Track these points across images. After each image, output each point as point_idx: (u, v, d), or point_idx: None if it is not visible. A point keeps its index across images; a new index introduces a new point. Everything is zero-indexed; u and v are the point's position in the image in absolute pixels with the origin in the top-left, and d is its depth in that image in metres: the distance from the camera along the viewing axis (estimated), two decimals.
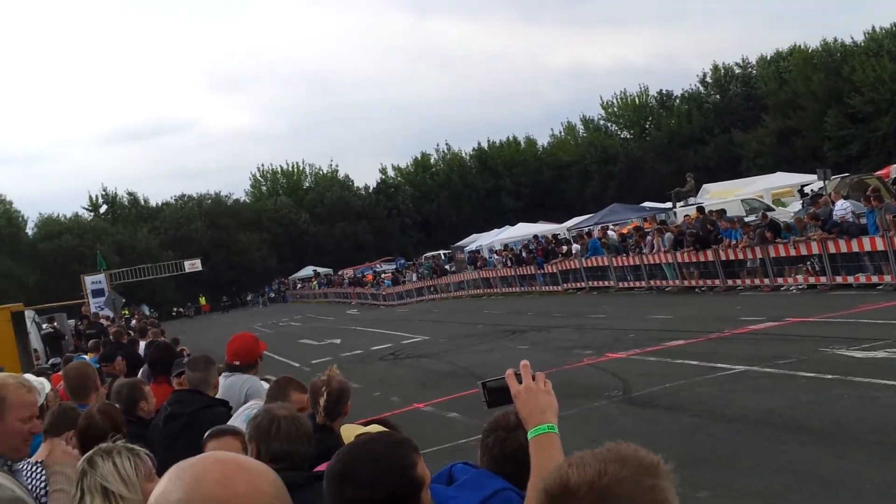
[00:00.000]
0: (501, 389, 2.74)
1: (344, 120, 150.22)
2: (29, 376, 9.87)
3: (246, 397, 6.47)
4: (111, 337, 19.42)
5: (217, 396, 6.55)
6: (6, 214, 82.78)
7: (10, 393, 3.86)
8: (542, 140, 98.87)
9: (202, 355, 7.20)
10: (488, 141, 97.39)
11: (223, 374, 7.01)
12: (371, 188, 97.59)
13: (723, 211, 29.64)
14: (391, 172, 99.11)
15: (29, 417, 3.91)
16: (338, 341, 30.87)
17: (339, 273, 72.70)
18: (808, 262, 23.01)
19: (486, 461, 3.32)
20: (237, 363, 6.95)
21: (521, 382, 2.70)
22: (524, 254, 40.16)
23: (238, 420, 5.45)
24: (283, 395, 5.34)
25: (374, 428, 3.46)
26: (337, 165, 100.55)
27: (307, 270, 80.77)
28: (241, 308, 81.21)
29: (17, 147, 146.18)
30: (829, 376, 12.07)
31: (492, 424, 3.32)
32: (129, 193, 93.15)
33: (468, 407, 13.72)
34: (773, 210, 32.52)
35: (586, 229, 40.09)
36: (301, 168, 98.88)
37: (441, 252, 65.22)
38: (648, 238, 30.32)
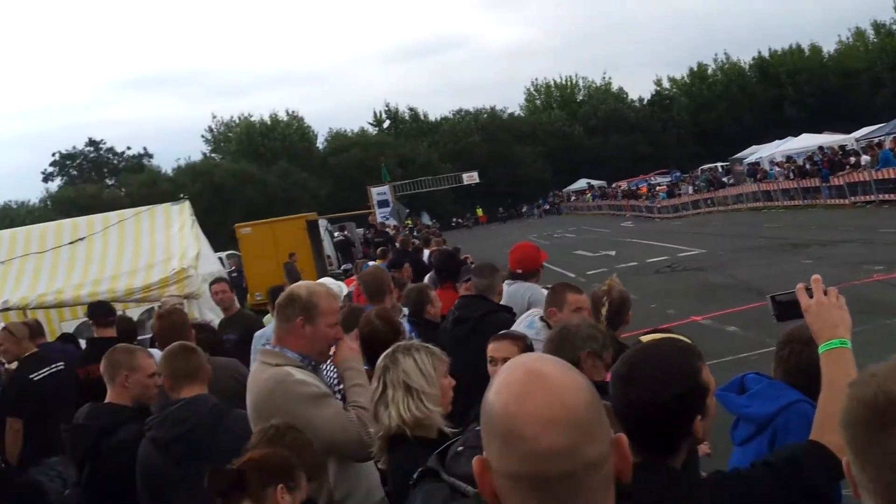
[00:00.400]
0: (792, 303, 2.69)
1: (617, 31, 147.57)
2: (328, 280, 10.74)
3: (528, 304, 6.63)
4: (398, 245, 20.34)
5: (501, 303, 6.75)
6: (300, 130, 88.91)
7: (322, 301, 4.07)
8: (828, 47, 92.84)
9: (487, 263, 7.44)
10: (769, 49, 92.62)
11: (506, 281, 7.11)
12: (645, 100, 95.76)
13: None
14: (666, 84, 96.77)
15: (335, 323, 4.13)
16: (612, 253, 30.75)
17: (613, 185, 72.28)
18: None
19: (780, 373, 3.39)
20: (520, 271, 7.08)
21: (811, 297, 2.65)
22: (808, 166, 38.39)
23: (521, 326, 5.72)
24: (559, 298, 5.51)
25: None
26: (610, 78, 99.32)
27: (581, 183, 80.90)
28: (517, 220, 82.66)
29: (308, 67, 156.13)
30: None
31: (787, 337, 3.38)
32: (410, 109, 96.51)
33: (748, 320, 13.60)
34: None
35: (877, 139, 37.67)
36: (574, 81, 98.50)
37: (718, 164, 63.19)
38: None
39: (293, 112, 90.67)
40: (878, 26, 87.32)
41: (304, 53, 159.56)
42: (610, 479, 1.50)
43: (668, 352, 2.44)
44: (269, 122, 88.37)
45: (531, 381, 1.47)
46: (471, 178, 60.02)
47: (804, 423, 2.75)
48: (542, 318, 5.66)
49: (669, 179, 61.65)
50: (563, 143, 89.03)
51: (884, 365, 1.49)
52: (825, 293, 2.61)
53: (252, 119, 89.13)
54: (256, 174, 76.48)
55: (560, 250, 35.86)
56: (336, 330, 4.14)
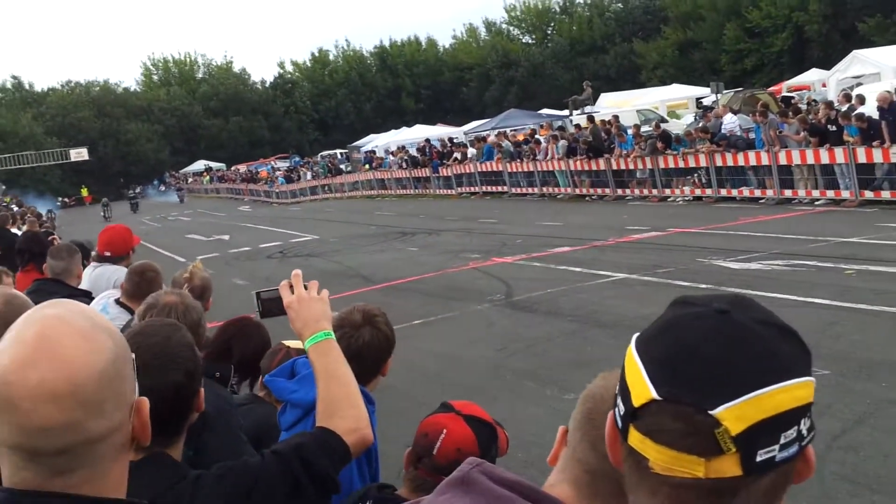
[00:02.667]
0: (275, 300, 2.70)
1: (240, 7, 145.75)
2: None
3: (115, 288, 6.25)
4: None
5: (85, 287, 6.44)
6: None
7: None
8: (444, 41, 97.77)
9: (66, 244, 7.13)
10: (390, 39, 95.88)
11: (93, 263, 6.92)
12: (268, 83, 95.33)
13: (615, 119, 29.75)
14: (289, 67, 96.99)
15: None
16: (226, 237, 30.37)
17: (233, 169, 71.19)
18: (696, 174, 23.37)
19: None
20: (108, 254, 6.86)
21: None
22: (419, 156, 39.85)
23: (96, 309, 5.21)
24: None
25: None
26: (232, 58, 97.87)
27: (199, 165, 78.88)
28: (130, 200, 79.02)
29: None
30: (703, 286, 12.31)
31: (338, 321, 3.18)
32: (14, 77, 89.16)
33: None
34: (666, 122, 32.86)
35: (483, 133, 39.93)
36: (193, 59, 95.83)
37: (338, 151, 64.35)
38: (543, 145, 30.34)
39: None
40: (489, 24, 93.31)
41: None
42: (122, 446, 1.47)
43: (162, 334, 2.37)
44: None
45: (40, 347, 1.37)
46: (79, 154, 56.54)
47: None
48: (117, 301, 5.47)
49: (289, 164, 61.78)
50: (182, 122, 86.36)
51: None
52: (306, 287, 2.60)
53: None
54: None
55: (173, 234, 34.70)
56: None
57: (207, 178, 71.80)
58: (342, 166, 51.53)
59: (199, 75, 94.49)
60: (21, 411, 1.35)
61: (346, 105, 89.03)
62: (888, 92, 19.68)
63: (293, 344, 4.00)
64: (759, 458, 1.05)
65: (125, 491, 1.51)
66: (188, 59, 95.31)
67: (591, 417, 1.52)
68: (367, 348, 3.06)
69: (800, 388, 1.07)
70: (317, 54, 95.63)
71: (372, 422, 2.86)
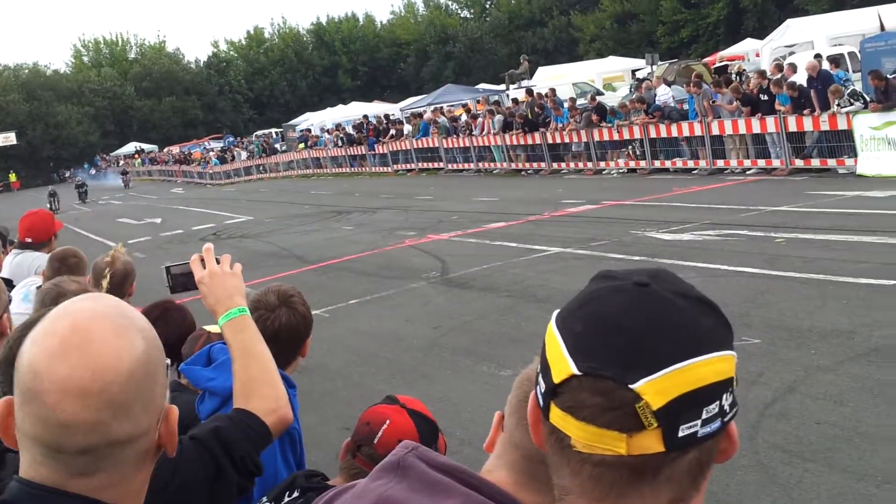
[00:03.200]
0: (186, 275, 2.59)
1: None
2: None
3: (36, 276, 6.10)
4: None
5: (5, 275, 6.15)
6: None
7: None
8: (382, 17, 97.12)
9: None
10: (327, 16, 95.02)
11: (14, 251, 6.80)
12: (202, 62, 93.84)
13: (552, 93, 29.75)
14: (224, 46, 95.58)
15: None
16: (158, 220, 29.89)
17: (165, 150, 70.00)
18: (630, 147, 23.45)
19: None
20: (29, 240, 6.73)
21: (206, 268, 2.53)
22: (355, 134, 39.52)
23: (17, 298, 5.19)
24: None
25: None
26: (165, 37, 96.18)
27: (131, 147, 77.45)
28: (59, 185, 77.44)
29: None
30: (637, 258, 12.33)
31: (253, 304, 3.09)
32: None
33: None
34: (602, 94, 32.92)
35: (419, 110, 39.70)
36: (126, 39, 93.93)
37: (273, 130, 63.64)
38: (479, 120, 30.24)
39: None
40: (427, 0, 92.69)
41: None
42: (147, 454, 1.43)
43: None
44: None
45: (73, 340, 1.34)
46: (7, 139, 55.19)
47: None
48: (39, 289, 5.18)
49: (223, 145, 60.98)
50: (114, 103, 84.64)
51: None
52: (218, 262, 2.50)
53: None
54: None
55: (104, 218, 34.07)
56: None
57: (139, 160, 70.53)
58: (277, 146, 50.96)
59: (132, 56, 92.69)
60: (46, 404, 1.33)
61: (281, 84, 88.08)
62: (816, 60, 19.90)
63: (215, 329, 3.85)
64: (681, 434, 1.03)
65: (142, 500, 1.48)
66: (120, 40, 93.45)
67: (527, 401, 1.44)
68: (285, 330, 3.00)
69: (721, 362, 1.05)
70: (252, 32, 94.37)
71: (293, 405, 2.81)
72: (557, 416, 1.08)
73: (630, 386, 1.02)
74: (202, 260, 2.51)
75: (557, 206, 18.64)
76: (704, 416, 1.03)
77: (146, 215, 32.33)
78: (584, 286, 1.13)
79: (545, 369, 1.10)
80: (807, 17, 41.80)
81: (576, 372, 1.05)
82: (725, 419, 1.06)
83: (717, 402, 1.05)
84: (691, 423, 1.03)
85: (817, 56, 22.08)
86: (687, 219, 14.77)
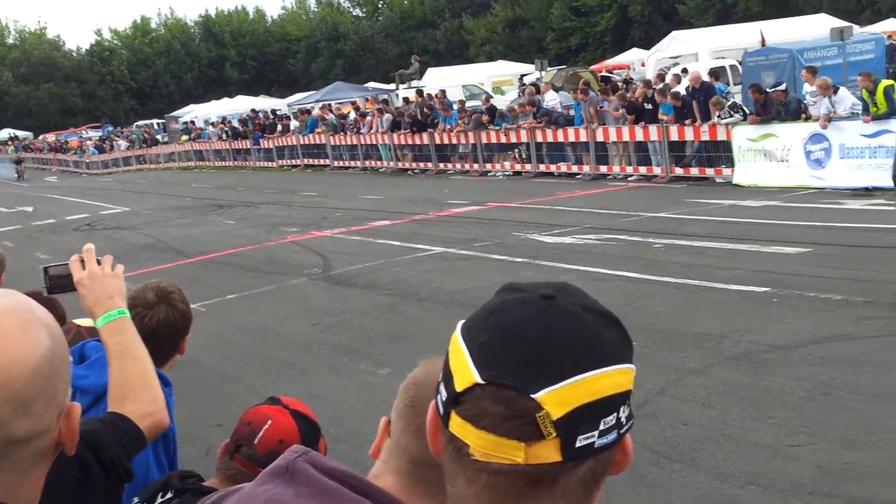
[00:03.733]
0: (65, 276, 2.50)
1: None
2: None
3: None
4: None
5: None
6: None
7: None
8: (273, 12, 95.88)
9: None
10: (217, 9, 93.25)
11: None
12: (84, 50, 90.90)
13: (442, 94, 29.81)
14: (107, 35, 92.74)
15: None
16: (30, 209, 28.93)
17: (41, 138, 67.58)
18: (517, 150, 23.64)
19: None
20: None
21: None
22: (241, 128, 38.88)
23: None
24: None
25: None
26: (46, 23, 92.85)
27: (3, 133, 74.50)
28: None
29: None
30: (519, 259, 12.45)
31: (131, 300, 2.94)
32: None
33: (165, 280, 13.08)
34: (492, 97, 33.14)
35: (307, 106, 39.30)
36: (4, 24, 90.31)
37: (155, 121, 62.14)
38: (368, 118, 30.09)
39: None
40: None
41: None
42: (45, 453, 1.37)
43: None
44: None
45: None
46: None
47: None
48: None
49: (101, 134, 59.28)
50: None
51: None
52: (99, 263, 2.42)
53: None
54: None
55: None
56: None
57: (12, 147, 67.90)
58: (159, 137, 49.77)
59: (10, 41, 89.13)
60: None
61: (165, 75, 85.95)
62: (698, 72, 20.43)
63: (85, 322, 3.68)
64: (578, 444, 1.04)
65: (38, 500, 1.41)
66: None
67: (414, 405, 1.50)
68: (163, 326, 2.95)
69: (620, 375, 1.07)
70: (138, 22, 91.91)
71: (169, 405, 2.75)
72: (457, 424, 1.08)
73: (532, 395, 1.03)
74: (82, 261, 2.43)
75: (442, 206, 18.66)
76: (602, 427, 1.04)
77: (17, 203, 31.16)
78: (491, 297, 1.12)
79: (447, 378, 1.10)
80: (692, 29, 42.99)
81: (479, 380, 1.05)
82: (622, 431, 1.07)
83: (615, 414, 1.06)
84: (589, 434, 1.03)
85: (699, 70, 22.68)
86: (569, 222, 14.95)
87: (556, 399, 1.02)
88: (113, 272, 2.42)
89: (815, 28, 32.10)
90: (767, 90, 17.64)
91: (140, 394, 2.22)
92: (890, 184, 14.66)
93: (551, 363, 1.04)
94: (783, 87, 17.72)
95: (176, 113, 55.77)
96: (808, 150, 16.32)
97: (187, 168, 41.40)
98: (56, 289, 2.59)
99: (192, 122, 48.15)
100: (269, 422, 2.47)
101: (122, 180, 40.70)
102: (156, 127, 56.62)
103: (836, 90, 16.26)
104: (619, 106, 20.38)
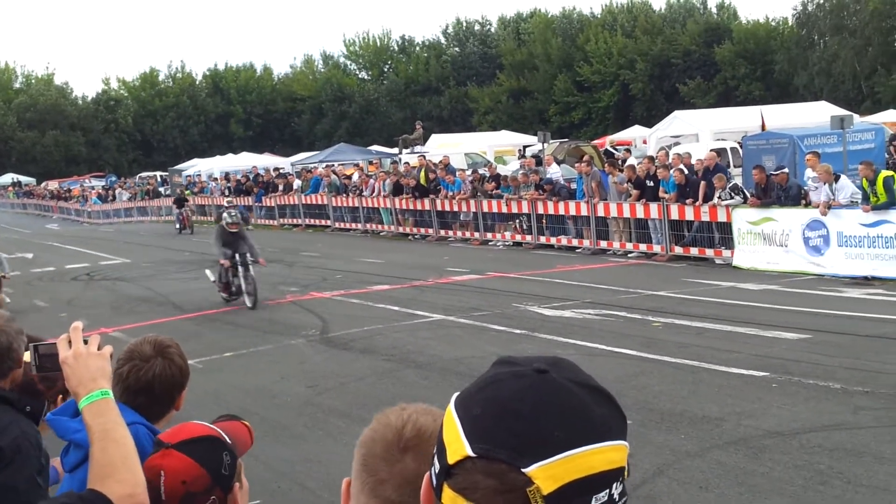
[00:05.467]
0: (52, 356, 2.49)
1: (65, 21, 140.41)
2: None
3: None
4: None
5: None
6: None
7: None
8: (280, 70, 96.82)
9: None
10: (225, 64, 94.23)
11: None
12: (90, 98, 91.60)
13: (446, 160, 30.03)
14: (115, 84, 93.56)
15: None
16: (30, 256, 28.95)
17: (43, 184, 67.77)
18: (518, 220, 23.78)
19: (118, 391, 3.02)
20: None
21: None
22: (244, 182, 39.07)
23: None
24: None
25: None
26: (54, 70, 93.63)
27: (7, 178, 74.75)
28: None
29: None
30: (518, 331, 12.45)
31: (127, 353, 3.06)
32: None
33: (164, 334, 13.06)
34: (494, 166, 33.41)
35: (310, 166, 39.56)
36: (12, 68, 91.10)
37: (158, 173, 62.42)
38: (371, 181, 30.29)
39: None
40: (326, 57, 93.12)
41: None
42: None
43: None
44: None
45: None
46: None
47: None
48: None
49: (104, 183, 59.53)
50: None
51: (414, 405, 1.55)
52: (86, 342, 2.41)
53: None
54: None
55: None
56: None
57: (12, 192, 68.07)
58: (161, 189, 49.98)
59: (17, 85, 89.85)
60: None
61: (172, 128, 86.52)
62: (715, 153, 20.63)
63: None
64: None
65: None
66: (6, 69, 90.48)
67: (366, 464, 1.49)
68: (159, 381, 2.94)
69: (613, 451, 1.08)
70: (147, 73, 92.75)
71: None
72: (449, 497, 1.08)
73: (523, 470, 1.03)
74: (70, 340, 2.42)
75: (442, 273, 18.71)
76: (594, 503, 1.05)
77: (18, 249, 31.15)
78: (487, 368, 1.14)
79: (441, 450, 1.11)
80: (693, 110, 43.54)
81: (470, 454, 1.06)
82: None
83: (607, 491, 1.06)
84: None
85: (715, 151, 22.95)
86: (568, 296, 15.00)
87: (547, 474, 1.03)
88: (99, 352, 2.41)
89: (815, 115, 32.49)
90: (769, 174, 17.83)
91: (121, 474, 2.21)
92: (888, 273, 14.85)
93: (542, 438, 1.05)
94: (785, 170, 17.93)
95: (179, 166, 56.05)
96: (807, 237, 16.44)
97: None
98: (44, 368, 2.60)
99: (196, 176, 48.40)
100: (162, 473, 2.40)
101: (123, 231, 40.82)
102: (159, 179, 56.88)
103: (837, 178, 16.45)
104: (625, 179, 20.54)
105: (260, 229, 34.93)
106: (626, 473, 1.10)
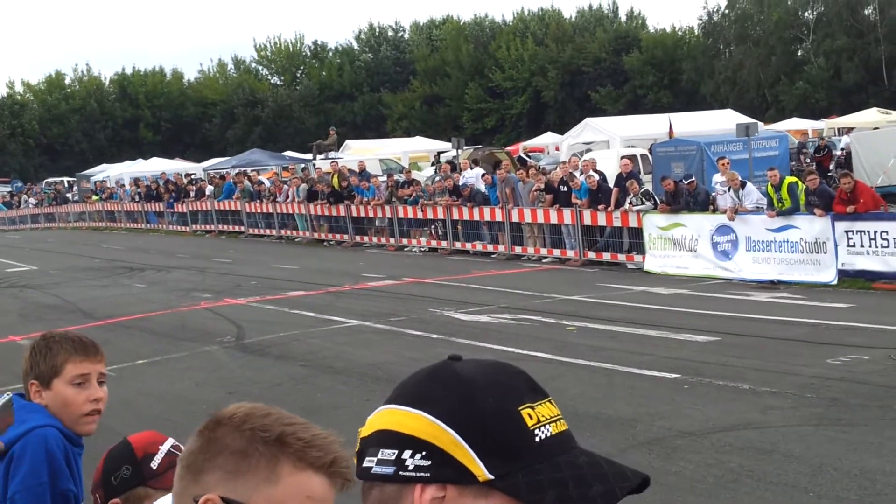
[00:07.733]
0: None
1: None
2: None
3: None
4: None
5: None
6: None
7: None
8: (190, 75, 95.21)
9: None
10: (133, 68, 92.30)
11: None
12: None
13: (362, 168, 29.97)
14: (19, 88, 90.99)
15: None
16: None
17: None
18: (433, 226, 23.88)
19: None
20: None
21: None
22: (155, 190, 38.37)
23: None
24: None
25: None
26: None
27: None
28: None
29: None
30: (434, 336, 12.52)
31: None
32: None
33: None
34: (409, 172, 33.47)
35: (223, 171, 39.08)
36: None
37: (65, 179, 60.91)
38: (285, 187, 30.08)
39: None
40: (238, 62, 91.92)
41: None
42: None
43: None
44: None
45: None
46: None
47: (41, 449, 2.74)
48: None
49: (10, 189, 57.84)
50: None
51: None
52: None
53: None
54: None
55: None
56: None
57: None
58: (69, 195, 48.79)
59: None
60: None
61: (77, 133, 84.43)
62: (628, 159, 20.99)
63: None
64: (363, 464, 1.17)
65: None
66: None
67: (181, 477, 1.39)
68: None
69: (409, 418, 1.15)
70: (53, 76, 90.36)
71: (77, 465, 2.82)
72: None
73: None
74: None
75: (358, 278, 18.68)
76: (380, 456, 1.15)
77: None
78: (407, 372, 1.27)
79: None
80: (604, 117, 44.26)
81: None
82: (402, 472, 1.13)
83: (395, 451, 1.14)
84: (370, 458, 1.16)
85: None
86: (484, 301, 15.13)
87: (371, 421, 1.19)
88: None
89: (721, 122, 33.42)
90: (677, 181, 18.25)
91: None
92: (793, 277, 15.34)
93: (392, 395, 1.21)
94: (692, 179, 18.38)
95: (88, 172, 54.83)
96: (716, 242, 16.86)
97: (97, 228, 40.51)
98: None
99: (105, 182, 47.36)
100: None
101: (30, 238, 39.68)
102: (66, 185, 55.48)
103: (743, 184, 16.93)
104: (538, 185, 20.75)
105: (172, 235, 34.45)
106: (427, 449, 1.12)
